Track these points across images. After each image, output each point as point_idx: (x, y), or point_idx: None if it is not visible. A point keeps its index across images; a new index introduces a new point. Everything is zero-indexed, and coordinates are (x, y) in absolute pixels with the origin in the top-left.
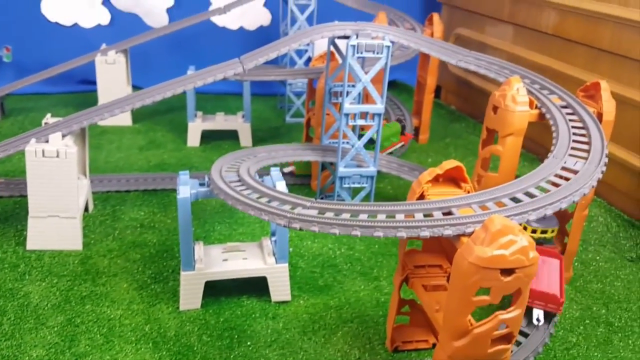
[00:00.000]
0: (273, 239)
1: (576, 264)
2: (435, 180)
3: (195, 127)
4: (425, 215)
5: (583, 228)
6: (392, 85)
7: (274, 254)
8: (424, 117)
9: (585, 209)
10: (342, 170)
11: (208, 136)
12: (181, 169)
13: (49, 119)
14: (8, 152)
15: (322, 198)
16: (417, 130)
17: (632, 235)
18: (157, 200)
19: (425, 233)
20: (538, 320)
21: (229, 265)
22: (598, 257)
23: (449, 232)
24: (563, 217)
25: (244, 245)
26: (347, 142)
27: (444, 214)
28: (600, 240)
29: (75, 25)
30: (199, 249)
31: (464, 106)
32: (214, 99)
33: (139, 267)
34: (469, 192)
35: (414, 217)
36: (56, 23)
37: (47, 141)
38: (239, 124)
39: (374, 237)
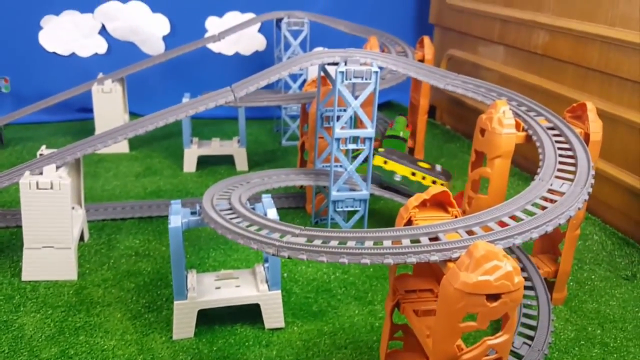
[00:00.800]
0: (266, 265)
1: (571, 283)
2: (423, 205)
3: (191, 153)
4: (412, 241)
5: (577, 247)
6: (387, 105)
7: (266, 281)
8: (418, 138)
9: (577, 229)
10: (335, 194)
11: (204, 161)
12: (177, 195)
13: (43, 150)
14: (2, 185)
15: (316, 222)
16: (411, 151)
17: (627, 253)
18: (152, 227)
19: (412, 259)
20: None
21: (222, 293)
22: (593, 276)
23: (435, 257)
24: (555, 237)
25: (237, 272)
26: (340, 166)
27: (430, 239)
28: (595, 258)
29: (73, 54)
30: (192, 277)
31: (458, 126)
32: (210, 123)
33: (133, 296)
34: (456, 217)
35: (401, 243)
36: (54, 53)
37: (41, 173)
38: (235, 149)
39: (361, 264)
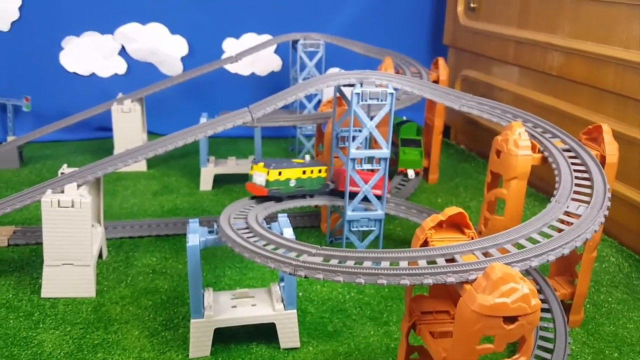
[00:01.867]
0: (282, 284)
1: (588, 306)
2: (439, 226)
3: (208, 172)
4: (428, 263)
5: (594, 269)
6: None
7: (282, 300)
8: (433, 158)
9: (594, 251)
10: (350, 214)
11: (220, 180)
12: (193, 213)
13: (65, 169)
14: (25, 203)
15: (331, 241)
16: (426, 171)
17: None
18: (169, 245)
19: (429, 281)
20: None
21: (238, 312)
22: (610, 299)
23: (451, 279)
24: (572, 259)
25: (253, 291)
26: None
27: (447, 260)
28: (612, 281)
29: (93, 75)
30: (209, 295)
31: (473, 146)
32: (226, 142)
33: (150, 314)
34: (472, 238)
35: (417, 264)
36: (74, 73)
37: (62, 191)
38: None
39: (377, 284)
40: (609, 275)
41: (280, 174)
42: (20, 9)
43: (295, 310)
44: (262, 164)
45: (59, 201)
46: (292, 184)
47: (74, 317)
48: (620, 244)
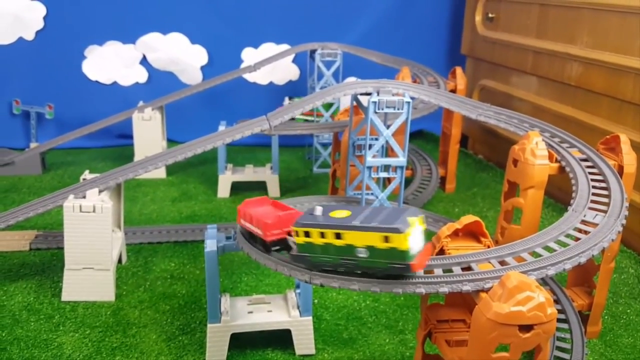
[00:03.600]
0: (297, 291)
1: (606, 317)
2: (455, 234)
3: (226, 179)
4: (444, 271)
5: (612, 280)
6: (419, 135)
7: (298, 307)
8: (450, 167)
9: (612, 262)
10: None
11: (238, 187)
12: (211, 220)
13: (87, 175)
14: (47, 208)
15: None
16: (443, 180)
17: None
18: (187, 251)
19: (444, 289)
20: None
21: (254, 318)
22: (629, 310)
23: (467, 287)
24: (590, 269)
25: (269, 297)
26: (371, 194)
27: (463, 269)
28: (631, 292)
29: (115, 83)
30: (225, 301)
31: (491, 155)
32: (244, 150)
33: (168, 318)
34: (488, 247)
35: (433, 272)
36: (96, 81)
37: (84, 197)
38: (267, 175)
39: (393, 293)
40: (627, 287)
41: None
42: (44, 18)
43: (310, 317)
44: None
45: (80, 206)
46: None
47: (93, 321)
48: None
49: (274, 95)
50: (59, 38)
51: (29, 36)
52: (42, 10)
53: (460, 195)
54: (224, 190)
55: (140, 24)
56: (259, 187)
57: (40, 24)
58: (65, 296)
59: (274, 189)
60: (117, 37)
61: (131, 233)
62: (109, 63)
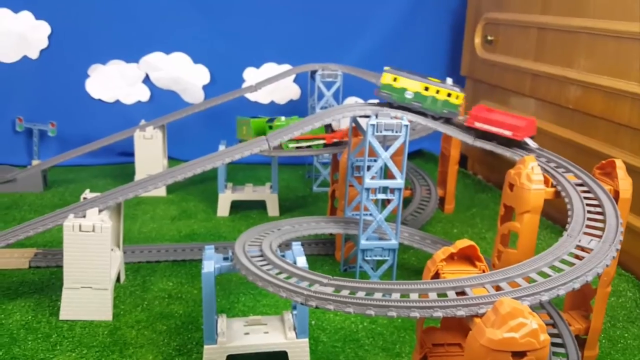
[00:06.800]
0: (294, 312)
1: (603, 341)
2: (450, 258)
3: (225, 198)
4: (439, 295)
5: (610, 303)
6: (418, 154)
7: (294, 329)
8: (449, 188)
9: (608, 286)
10: (364, 243)
11: (237, 206)
12: (210, 238)
13: (87, 194)
14: (47, 227)
15: (345, 270)
16: (442, 200)
17: None
18: (186, 270)
19: (438, 314)
20: None
21: (251, 339)
22: (626, 334)
23: (462, 312)
24: (587, 293)
25: (266, 318)
26: (369, 215)
27: (457, 293)
28: (628, 316)
29: (117, 101)
30: (222, 322)
31: (490, 176)
32: (244, 169)
33: (164, 338)
34: (483, 271)
35: (428, 296)
36: (99, 100)
37: (84, 216)
38: (267, 194)
39: (387, 317)
40: (625, 311)
41: (395, 80)
42: (49, 37)
43: (307, 339)
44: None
45: (80, 225)
46: (409, 95)
47: (90, 340)
48: (638, 279)
49: (275, 114)
50: (63, 57)
51: (34, 55)
52: (47, 29)
53: (459, 216)
54: (223, 209)
55: (143, 43)
56: (258, 206)
57: (44, 43)
58: (63, 315)
59: (273, 208)
60: (120, 56)
61: (130, 252)
62: (112, 82)
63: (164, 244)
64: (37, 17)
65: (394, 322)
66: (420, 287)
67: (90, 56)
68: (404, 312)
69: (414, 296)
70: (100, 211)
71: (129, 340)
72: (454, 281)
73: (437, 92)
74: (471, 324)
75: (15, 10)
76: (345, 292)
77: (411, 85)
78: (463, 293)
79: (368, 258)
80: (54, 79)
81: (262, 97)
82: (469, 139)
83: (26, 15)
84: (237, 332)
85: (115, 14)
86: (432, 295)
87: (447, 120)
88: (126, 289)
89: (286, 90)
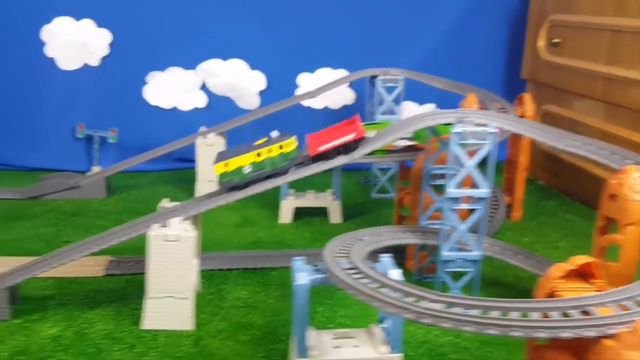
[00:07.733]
0: (383, 325)
1: None
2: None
3: (288, 205)
4: (563, 315)
5: None
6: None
7: (387, 343)
8: (517, 195)
9: None
10: (445, 254)
11: (298, 212)
12: (276, 246)
13: (165, 203)
14: (130, 236)
15: (419, 279)
16: (509, 208)
17: None
18: (257, 279)
19: (567, 334)
20: None
21: (341, 353)
22: None
23: (591, 333)
24: None
25: (353, 331)
26: (449, 224)
27: (581, 312)
28: None
29: (174, 108)
30: (311, 335)
31: (555, 182)
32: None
33: (249, 350)
34: (600, 289)
35: (549, 316)
36: (156, 106)
37: (164, 225)
38: (329, 201)
39: (509, 337)
40: None
41: (227, 165)
42: (110, 44)
43: (401, 354)
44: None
45: (165, 235)
46: (247, 170)
47: (175, 350)
48: None
49: (329, 119)
50: (123, 64)
51: (95, 62)
52: (108, 37)
53: (527, 224)
54: (286, 215)
55: (201, 50)
56: (319, 213)
57: (105, 51)
58: (146, 324)
59: (335, 215)
60: (178, 63)
61: (202, 259)
62: (170, 88)
63: (232, 252)
64: (99, 25)
65: (478, 337)
66: (541, 306)
67: (149, 63)
68: (529, 332)
69: (535, 315)
70: (182, 221)
71: (214, 351)
72: (575, 299)
73: (270, 151)
74: (597, 346)
75: (77, 18)
76: (457, 309)
77: (243, 160)
78: (586, 312)
79: (449, 269)
80: (114, 86)
81: (315, 102)
82: (560, 144)
83: (88, 23)
84: (327, 346)
85: (173, 21)
86: (555, 315)
87: (298, 164)
88: (203, 298)
89: (340, 95)
